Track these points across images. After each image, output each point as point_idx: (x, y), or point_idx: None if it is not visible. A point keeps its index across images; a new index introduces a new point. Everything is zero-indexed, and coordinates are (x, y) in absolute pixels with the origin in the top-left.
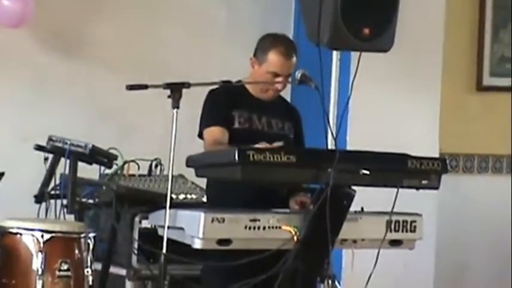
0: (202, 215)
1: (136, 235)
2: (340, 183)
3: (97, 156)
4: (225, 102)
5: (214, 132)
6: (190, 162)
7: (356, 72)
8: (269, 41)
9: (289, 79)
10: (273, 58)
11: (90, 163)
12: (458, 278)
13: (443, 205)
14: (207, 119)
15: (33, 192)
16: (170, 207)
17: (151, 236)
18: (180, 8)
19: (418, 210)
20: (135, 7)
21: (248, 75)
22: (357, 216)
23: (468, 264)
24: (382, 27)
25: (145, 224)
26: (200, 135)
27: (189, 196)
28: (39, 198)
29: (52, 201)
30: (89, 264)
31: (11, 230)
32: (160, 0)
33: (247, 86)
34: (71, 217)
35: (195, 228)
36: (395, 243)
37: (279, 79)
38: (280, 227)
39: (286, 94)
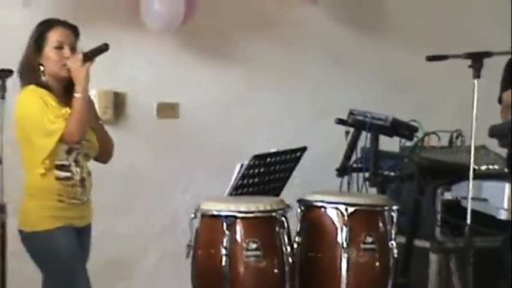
0: (507, 185)
1: (439, 207)
2: None
3: (398, 128)
4: None
5: (507, 96)
6: (493, 132)
7: None
8: None
9: None
10: None
11: (390, 136)
12: None
13: None
14: (504, 83)
15: (334, 166)
16: (473, 178)
17: (454, 208)
18: None
19: None
20: None
21: None
22: None
23: None
24: None
25: (447, 196)
26: (500, 100)
27: (491, 167)
28: (342, 171)
29: (354, 174)
30: (393, 237)
31: (315, 204)
32: None
33: None
34: (373, 190)
35: (500, 199)
36: None
37: None
38: None
39: None
